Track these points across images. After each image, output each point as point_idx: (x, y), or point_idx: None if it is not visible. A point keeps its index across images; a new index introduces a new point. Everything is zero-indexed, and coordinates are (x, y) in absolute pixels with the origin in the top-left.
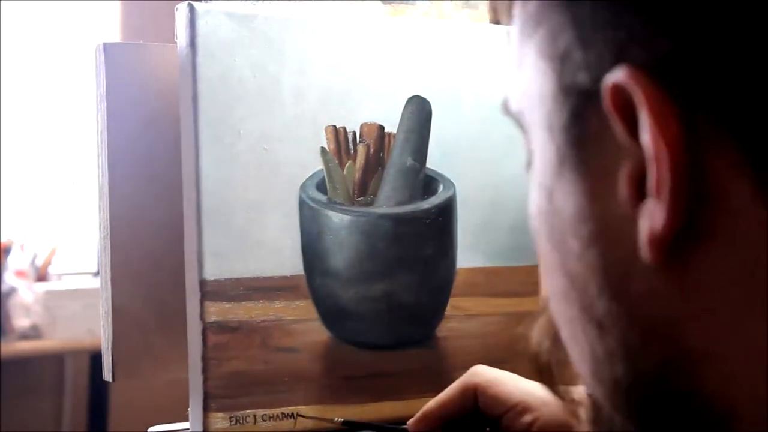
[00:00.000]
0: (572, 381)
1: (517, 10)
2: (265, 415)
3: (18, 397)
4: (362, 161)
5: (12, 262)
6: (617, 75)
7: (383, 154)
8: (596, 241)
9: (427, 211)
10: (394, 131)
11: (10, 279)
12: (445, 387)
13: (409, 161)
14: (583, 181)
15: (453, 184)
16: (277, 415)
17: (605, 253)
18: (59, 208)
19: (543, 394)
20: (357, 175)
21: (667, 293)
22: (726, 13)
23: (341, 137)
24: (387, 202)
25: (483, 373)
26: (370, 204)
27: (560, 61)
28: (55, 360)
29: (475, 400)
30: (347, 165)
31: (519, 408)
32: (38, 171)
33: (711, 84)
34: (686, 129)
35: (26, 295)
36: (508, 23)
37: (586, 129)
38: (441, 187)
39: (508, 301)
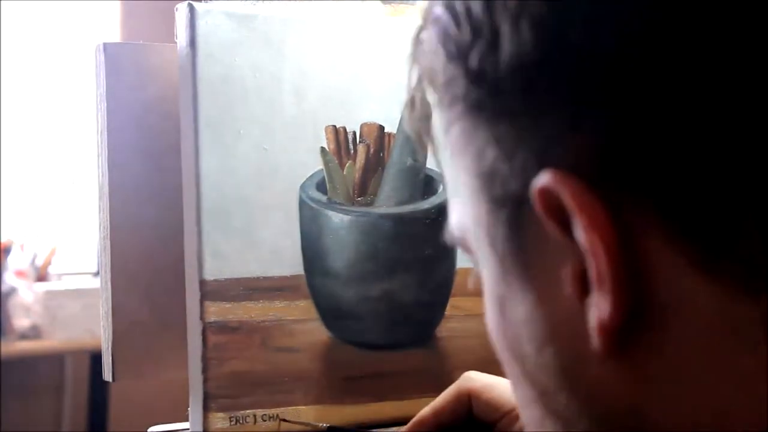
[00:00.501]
0: None
1: (444, 140)
2: (265, 415)
3: (18, 397)
4: (362, 161)
5: (12, 262)
6: (542, 179)
7: (383, 154)
8: (549, 341)
9: (427, 211)
10: (394, 131)
11: (10, 279)
12: (445, 387)
13: (409, 161)
14: (529, 285)
15: None
16: (277, 416)
17: (559, 352)
18: (59, 208)
19: None
20: (357, 175)
21: (622, 383)
22: (636, 102)
23: (341, 137)
24: (387, 202)
25: (477, 379)
26: (370, 204)
27: (489, 177)
28: (55, 360)
29: (470, 406)
30: (347, 165)
31: (514, 414)
32: (38, 171)
33: (632, 169)
34: (617, 221)
35: (26, 295)
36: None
37: (525, 235)
38: (441, 187)
39: None
